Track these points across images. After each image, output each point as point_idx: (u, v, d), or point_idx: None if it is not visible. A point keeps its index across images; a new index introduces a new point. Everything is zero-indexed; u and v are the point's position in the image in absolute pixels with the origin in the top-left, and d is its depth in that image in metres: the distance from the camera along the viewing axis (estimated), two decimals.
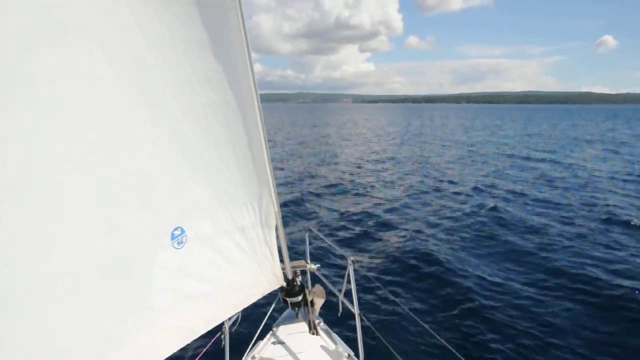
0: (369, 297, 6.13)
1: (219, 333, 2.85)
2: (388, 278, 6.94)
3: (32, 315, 1.44)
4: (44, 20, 1.36)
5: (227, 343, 2.86)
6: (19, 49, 1.31)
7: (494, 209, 11.20)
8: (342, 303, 3.23)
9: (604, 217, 10.43)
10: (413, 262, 7.62)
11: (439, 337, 3.52)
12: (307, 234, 4.00)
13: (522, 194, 13.32)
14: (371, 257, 7.91)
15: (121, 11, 1.57)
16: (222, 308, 2.27)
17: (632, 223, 9.79)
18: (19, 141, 1.34)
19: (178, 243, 1.96)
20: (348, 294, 3.16)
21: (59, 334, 1.53)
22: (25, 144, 1.36)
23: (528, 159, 22.16)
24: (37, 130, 1.38)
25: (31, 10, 1.32)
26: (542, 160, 21.49)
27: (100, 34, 1.52)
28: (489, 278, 6.89)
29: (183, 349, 2.01)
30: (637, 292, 6.15)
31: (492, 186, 14.68)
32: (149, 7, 1.66)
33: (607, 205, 11.61)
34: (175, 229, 1.95)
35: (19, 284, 1.38)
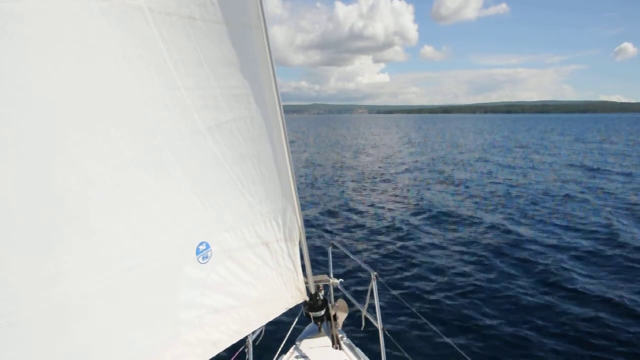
0: (393, 311, 6.03)
1: (242, 347, 2.85)
2: (412, 293, 6.83)
3: (66, 332, 1.48)
4: (68, 42, 1.38)
5: (250, 357, 2.85)
6: (48, 76, 1.34)
7: (510, 229, 10.85)
8: (366, 317, 3.19)
9: None
10: (438, 277, 7.47)
11: (464, 354, 3.42)
12: (329, 247, 3.97)
13: None
14: (395, 271, 7.80)
15: (147, 32, 1.60)
16: (246, 322, 2.27)
17: None
18: (54, 166, 1.39)
19: (203, 258, 1.99)
20: (371, 309, 3.12)
21: (89, 348, 1.56)
22: (58, 169, 1.41)
23: None
24: (70, 152, 1.43)
25: (57, 34, 1.35)
26: None
27: (127, 55, 1.55)
28: (518, 295, 6.69)
29: None
30: None
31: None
32: (174, 27, 1.68)
33: None
34: (201, 243, 1.97)
35: (53, 302, 1.43)
